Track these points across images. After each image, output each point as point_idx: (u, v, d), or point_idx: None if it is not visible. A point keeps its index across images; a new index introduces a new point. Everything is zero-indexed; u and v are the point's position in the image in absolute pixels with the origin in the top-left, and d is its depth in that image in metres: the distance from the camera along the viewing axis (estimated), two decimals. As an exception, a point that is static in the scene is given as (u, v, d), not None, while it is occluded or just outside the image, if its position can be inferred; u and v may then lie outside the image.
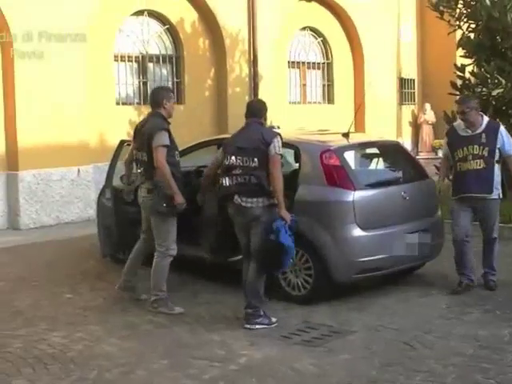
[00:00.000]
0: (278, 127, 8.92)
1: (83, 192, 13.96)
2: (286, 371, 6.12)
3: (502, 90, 12.84)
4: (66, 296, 8.60)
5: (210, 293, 8.52)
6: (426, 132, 23.05)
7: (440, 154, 20.29)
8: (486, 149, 8.21)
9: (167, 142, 7.72)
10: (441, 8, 13.89)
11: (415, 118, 23.40)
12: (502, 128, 8.50)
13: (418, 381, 5.87)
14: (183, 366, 6.27)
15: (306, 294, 8.06)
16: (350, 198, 7.94)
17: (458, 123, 8.58)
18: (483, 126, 8.34)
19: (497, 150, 8.30)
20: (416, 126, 23.36)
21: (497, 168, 8.36)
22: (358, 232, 7.97)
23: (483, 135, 8.26)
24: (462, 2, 13.63)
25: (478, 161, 8.20)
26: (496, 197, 8.38)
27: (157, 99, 8.05)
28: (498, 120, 13.28)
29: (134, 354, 6.62)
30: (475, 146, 8.21)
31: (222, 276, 8.76)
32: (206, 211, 8.52)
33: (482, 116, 8.48)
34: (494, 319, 7.45)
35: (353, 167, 8.44)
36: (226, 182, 7.37)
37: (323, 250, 7.95)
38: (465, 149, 8.26)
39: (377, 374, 6.02)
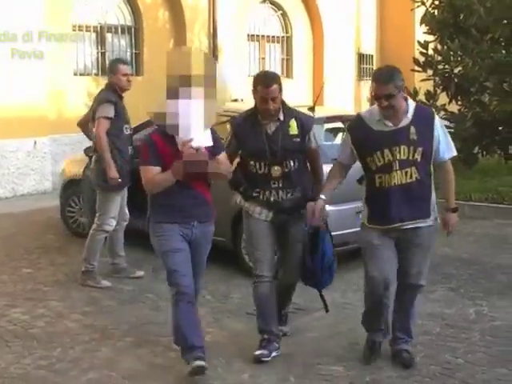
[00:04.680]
0: (242, 100, 8.90)
1: (39, 164, 13.72)
2: (253, 350, 6.00)
3: (463, 67, 12.86)
4: (25, 271, 8.41)
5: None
6: (384, 108, 22.98)
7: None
8: (419, 150, 5.38)
9: (110, 114, 7.57)
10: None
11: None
12: (437, 117, 5.60)
13: (387, 360, 5.81)
14: (149, 344, 6.16)
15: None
16: None
17: (370, 112, 5.71)
18: (410, 114, 5.45)
19: (433, 151, 5.49)
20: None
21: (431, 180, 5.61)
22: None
23: (412, 129, 5.39)
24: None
25: (409, 169, 5.38)
26: (432, 223, 5.57)
27: (109, 69, 8.00)
28: (459, 98, 13.45)
29: (97, 330, 6.49)
30: (402, 147, 5.37)
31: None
32: None
33: (406, 100, 5.53)
34: (459, 298, 7.47)
35: (319, 141, 8.32)
36: None
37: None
38: (386, 152, 5.39)
39: (345, 354, 5.97)
